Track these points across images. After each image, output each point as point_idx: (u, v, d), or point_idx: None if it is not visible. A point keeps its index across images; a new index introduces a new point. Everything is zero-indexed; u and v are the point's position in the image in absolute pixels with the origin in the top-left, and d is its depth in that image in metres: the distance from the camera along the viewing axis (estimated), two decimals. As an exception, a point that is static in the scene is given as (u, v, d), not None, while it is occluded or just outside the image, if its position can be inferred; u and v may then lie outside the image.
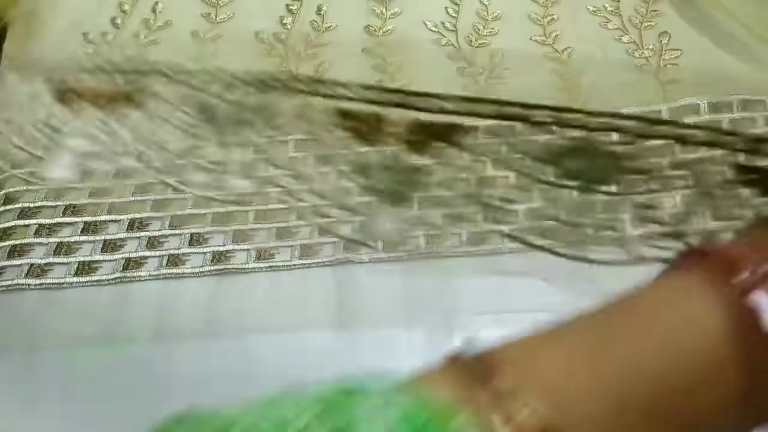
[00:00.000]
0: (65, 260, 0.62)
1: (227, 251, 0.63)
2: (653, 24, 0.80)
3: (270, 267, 0.62)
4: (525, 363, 0.24)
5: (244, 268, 0.62)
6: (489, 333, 0.27)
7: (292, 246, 0.63)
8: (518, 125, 0.71)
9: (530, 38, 0.79)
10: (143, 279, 0.61)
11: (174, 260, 0.62)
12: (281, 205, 0.66)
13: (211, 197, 0.66)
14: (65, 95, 0.56)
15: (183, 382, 0.55)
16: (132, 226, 0.64)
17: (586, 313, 0.26)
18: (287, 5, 0.81)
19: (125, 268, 0.62)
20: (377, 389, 0.22)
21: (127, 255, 0.62)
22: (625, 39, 0.79)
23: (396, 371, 0.24)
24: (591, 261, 0.60)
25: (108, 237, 0.63)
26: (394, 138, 0.56)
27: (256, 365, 0.56)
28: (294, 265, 0.62)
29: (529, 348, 0.24)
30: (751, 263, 0.24)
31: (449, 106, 0.57)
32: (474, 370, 0.23)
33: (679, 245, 0.45)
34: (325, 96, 0.57)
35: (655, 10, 0.81)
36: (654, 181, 0.62)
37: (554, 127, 0.69)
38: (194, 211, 0.65)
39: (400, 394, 0.22)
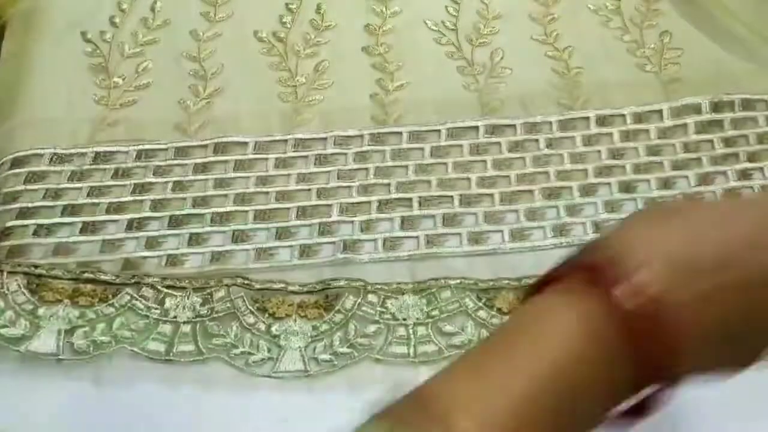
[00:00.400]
0: (63, 260, 0.62)
1: (227, 251, 0.63)
2: (654, 23, 0.80)
3: (270, 267, 0.62)
4: (451, 391, 0.29)
5: (243, 269, 0.61)
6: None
7: (291, 246, 0.63)
8: (517, 124, 0.71)
9: (531, 37, 0.78)
10: (142, 279, 0.61)
11: (173, 260, 0.62)
12: (281, 205, 0.66)
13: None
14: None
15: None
16: (131, 226, 0.64)
17: (494, 339, 0.32)
18: (287, 4, 0.81)
19: (124, 268, 0.61)
20: None
21: (126, 255, 0.62)
22: (626, 38, 0.78)
23: None
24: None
25: (107, 237, 0.63)
26: None
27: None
28: (294, 265, 0.62)
29: (454, 379, 0.30)
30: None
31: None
32: (411, 401, 0.29)
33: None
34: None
35: (656, 9, 0.81)
36: None
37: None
38: (193, 210, 0.65)
39: None
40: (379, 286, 0.59)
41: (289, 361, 0.56)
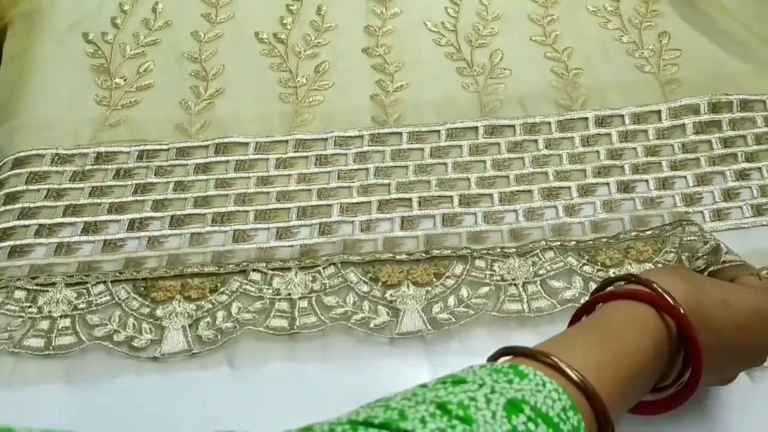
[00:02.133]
0: (65, 260, 0.62)
1: (228, 251, 0.63)
2: (653, 24, 0.80)
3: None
4: (560, 353, 0.38)
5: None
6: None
7: (292, 246, 0.63)
8: (517, 124, 0.71)
9: (530, 38, 0.79)
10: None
11: (174, 260, 0.62)
12: (282, 205, 0.66)
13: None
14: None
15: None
16: (132, 226, 0.64)
17: (580, 327, 0.43)
18: (287, 5, 0.81)
19: (125, 267, 0.62)
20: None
21: (127, 255, 0.62)
22: (624, 39, 0.79)
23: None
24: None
25: (108, 237, 0.64)
26: None
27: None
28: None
29: (559, 347, 0.40)
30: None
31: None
32: (528, 354, 0.38)
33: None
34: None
35: (655, 10, 0.81)
36: None
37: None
38: (194, 210, 0.65)
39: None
40: (485, 251, 0.61)
41: (410, 322, 0.58)
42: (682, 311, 0.42)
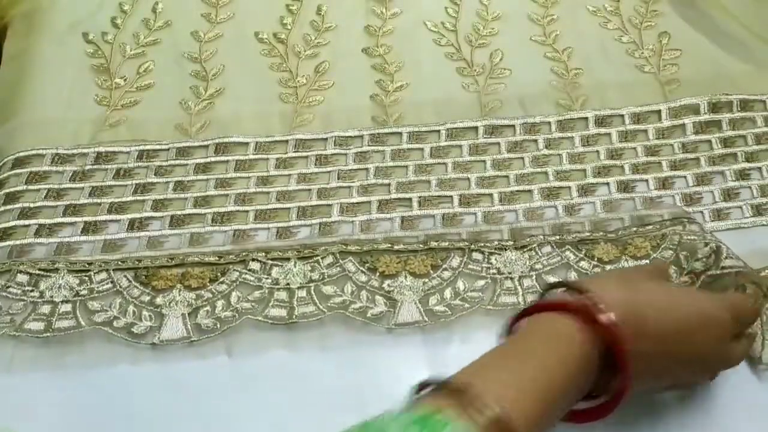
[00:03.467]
0: (67, 260, 0.62)
1: (227, 251, 0.63)
2: (653, 24, 0.80)
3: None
4: (481, 382, 0.38)
5: (244, 268, 0.62)
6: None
7: (291, 246, 0.63)
8: (517, 124, 0.71)
9: (530, 38, 0.79)
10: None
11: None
12: (282, 205, 0.66)
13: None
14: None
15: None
16: (132, 226, 0.64)
17: (502, 350, 0.43)
18: (287, 5, 0.81)
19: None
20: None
21: (126, 255, 0.62)
22: (624, 39, 0.79)
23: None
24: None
25: (108, 237, 0.64)
26: None
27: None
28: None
29: (480, 374, 0.40)
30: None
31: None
32: (449, 388, 0.38)
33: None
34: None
35: (655, 10, 0.81)
36: None
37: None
38: (194, 210, 0.65)
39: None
40: (482, 244, 0.61)
41: (407, 313, 0.58)
42: (607, 321, 0.42)
